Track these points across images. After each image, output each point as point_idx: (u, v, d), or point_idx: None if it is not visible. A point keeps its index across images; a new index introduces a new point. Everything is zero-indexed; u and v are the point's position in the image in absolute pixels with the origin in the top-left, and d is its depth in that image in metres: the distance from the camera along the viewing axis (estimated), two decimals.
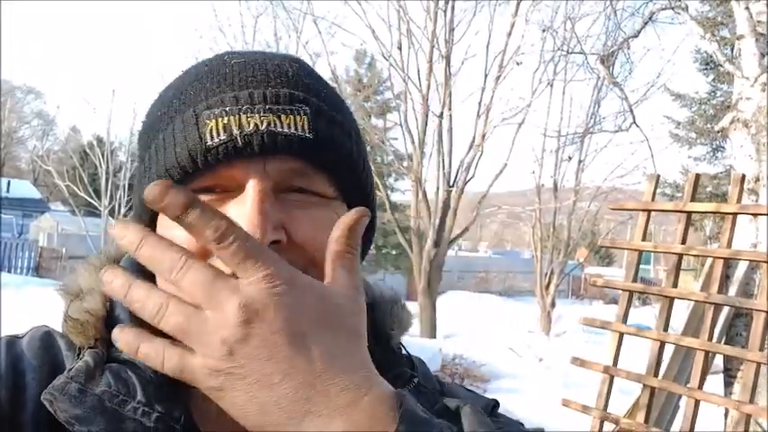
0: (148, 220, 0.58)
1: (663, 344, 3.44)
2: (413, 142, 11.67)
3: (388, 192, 15.48)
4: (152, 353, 0.46)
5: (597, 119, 13.55)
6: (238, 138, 0.53)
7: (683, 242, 3.46)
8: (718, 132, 4.60)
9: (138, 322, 0.57)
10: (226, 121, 0.53)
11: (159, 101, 0.60)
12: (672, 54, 23.26)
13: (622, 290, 3.68)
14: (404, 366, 0.67)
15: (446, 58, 11.04)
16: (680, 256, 3.50)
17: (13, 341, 0.60)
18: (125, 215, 14.66)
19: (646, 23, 6.61)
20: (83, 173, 14.61)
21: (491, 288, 23.88)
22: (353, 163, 0.59)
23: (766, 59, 4.20)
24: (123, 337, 0.47)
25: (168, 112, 0.57)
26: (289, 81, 0.57)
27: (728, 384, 3.97)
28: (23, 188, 31.03)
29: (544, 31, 11.28)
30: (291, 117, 0.54)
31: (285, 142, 0.54)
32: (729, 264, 3.59)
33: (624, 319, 3.60)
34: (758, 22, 4.23)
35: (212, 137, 0.53)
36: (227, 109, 0.54)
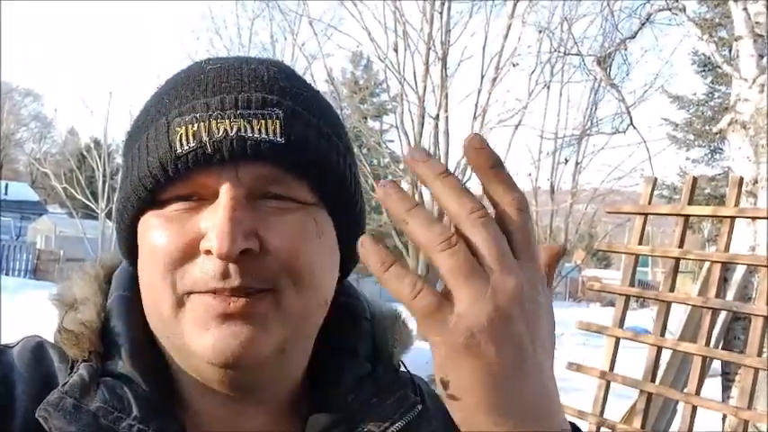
0: (129, 221, 0.57)
1: (660, 349, 3.39)
2: (409, 144, 11.64)
3: None
4: (407, 280, 0.41)
5: (594, 121, 13.53)
6: (207, 144, 0.52)
7: (681, 246, 3.42)
8: (716, 134, 4.57)
9: (138, 342, 0.57)
10: (195, 128, 0.53)
11: (141, 110, 0.60)
12: (669, 55, 23.28)
13: (619, 294, 3.64)
14: (407, 389, 0.64)
15: (442, 59, 11.02)
16: (677, 259, 3.46)
17: (3, 350, 0.59)
18: None
19: (643, 25, 6.58)
20: (80, 175, 14.64)
21: None
22: (333, 166, 0.57)
23: (764, 61, 4.16)
24: (375, 249, 0.42)
25: (146, 120, 0.57)
26: (264, 85, 0.56)
27: (726, 388, 3.93)
28: (21, 190, 31.05)
29: (541, 32, 11.26)
30: (263, 122, 0.53)
31: (256, 148, 0.52)
32: (727, 267, 3.55)
33: (621, 323, 3.56)
34: (756, 23, 4.20)
35: (182, 144, 0.52)
36: (198, 115, 0.53)
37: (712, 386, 3.94)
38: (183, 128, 0.53)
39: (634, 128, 7.33)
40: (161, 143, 0.54)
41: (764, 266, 3.07)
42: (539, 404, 0.42)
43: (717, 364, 3.98)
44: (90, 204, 14.71)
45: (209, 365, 0.54)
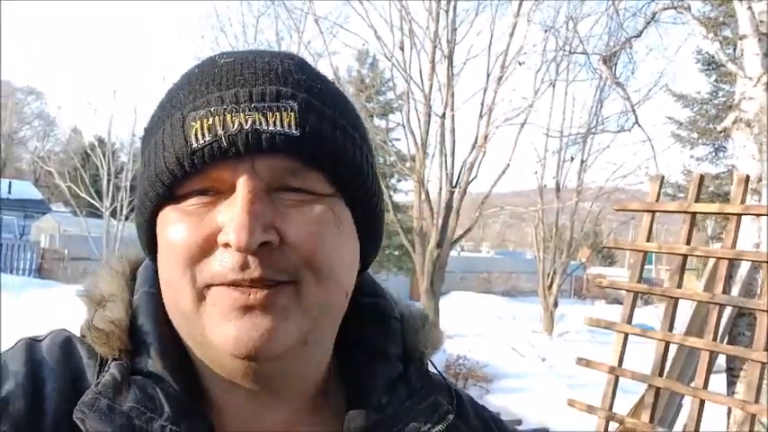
0: (148, 217, 0.58)
1: (668, 344, 3.45)
2: (415, 143, 11.67)
3: (391, 192, 15.50)
4: None
5: (600, 119, 13.55)
6: (223, 138, 0.52)
7: (688, 242, 3.47)
8: (721, 132, 4.61)
9: (165, 339, 0.58)
10: (210, 122, 0.53)
11: (157, 106, 0.60)
12: (674, 54, 23.20)
13: (627, 291, 3.69)
14: (440, 394, 0.64)
15: (448, 58, 11.05)
16: (684, 256, 3.51)
17: (32, 344, 0.59)
18: (127, 216, 14.71)
19: (648, 23, 6.61)
20: (84, 174, 14.66)
21: (494, 288, 23.86)
22: (349, 157, 0.57)
23: None
24: None
25: (161, 116, 0.57)
26: (278, 78, 0.56)
27: (731, 384, 3.98)
28: (25, 189, 30.99)
29: (546, 31, 11.29)
30: (278, 114, 0.53)
31: (271, 140, 0.52)
32: (733, 264, 3.60)
33: (629, 319, 3.61)
34: (760, 21, 4.24)
35: (197, 139, 0.53)
36: (212, 109, 0.53)
37: (717, 382, 3.99)
38: (198, 122, 0.53)
39: (639, 126, 7.36)
40: (176, 138, 0.54)
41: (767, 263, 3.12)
42: None
43: (721, 360, 4.04)
44: (94, 203, 14.73)
45: (232, 358, 0.54)
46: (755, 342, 3.13)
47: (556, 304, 14.45)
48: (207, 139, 0.53)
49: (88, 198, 14.78)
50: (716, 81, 18.23)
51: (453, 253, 14.19)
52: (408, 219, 13.76)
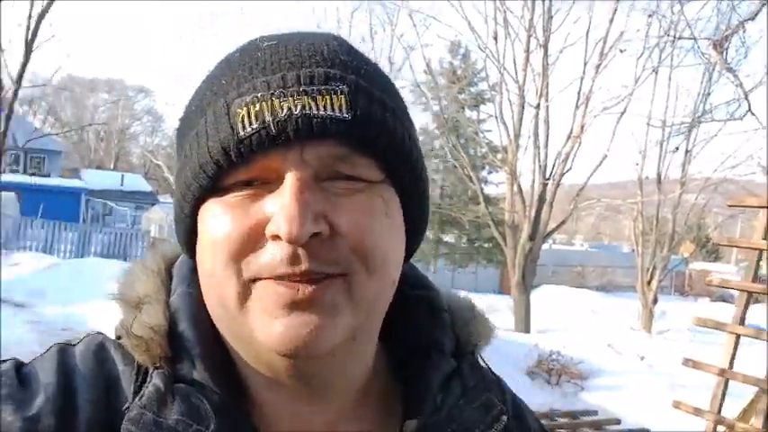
0: (190, 211, 0.55)
1: None
2: (508, 134, 11.50)
3: (482, 185, 15.31)
4: None
5: (707, 107, 12.79)
6: (271, 125, 0.49)
7: None
8: None
9: (206, 341, 0.55)
10: (257, 109, 0.50)
11: (194, 94, 0.57)
12: None
13: (740, 290, 3.51)
14: (492, 392, 0.62)
15: (544, 47, 10.79)
16: None
17: (65, 350, 0.57)
18: None
19: (763, 5, 6.19)
20: None
21: (588, 283, 23.12)
22: (399, 142, 0.54)
23: None
24: None
25: (201, 104, 0.54)
26: (324, 60, 0.53)
27: None
28: (136, 182, 32.91)
29: (650, 16, 10.77)
30: (327, 98, 0.50)
31: (322, 125, 0.50)
32: None
33: (741, 320, 3.43)
34: None
35: (244, 126, 0.50)
36: (259, 95, 0.50)
37: None
38: (245, 108, 0.50)
39: (752, 114, 6.91)
40: (221, 126, 0.51)
41: None
42: None
43: None
44: None
45: (277, 356, 0.52)
46: None
47: (655, 301, 13.84)
48: (255, 126, 0.50)
49: None
50: None
51: (545, 246, 13.89)
52: (499, 211, 13.59)
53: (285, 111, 0.50)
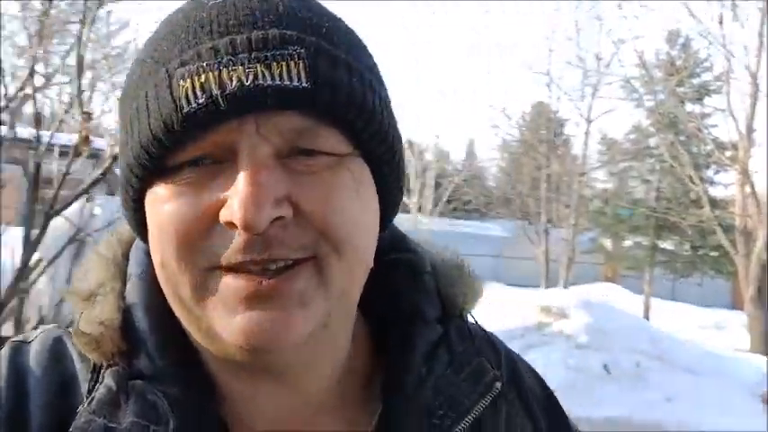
0: (135, 195, 0.51)
1: None
2: (738, 128, 10.25)
3: (707, 186, 13.93)
4: None
5: None
6: (219, 98, 0.44)
7: None
8: None
9: (164, 330, 0.51)
10: (203, 80, 0.44)
11: (135, 61, 0.51)
12: None
13: None
14: (484, 355, 0.58)
15: None
16: None
17: (19, 348, 0.54)
18: (430, 212, 15.80)
19: None
20: None
21: None
22: (368, 109, 0.48)
23: None
24: None
25: (142, 73, 0.49)
26: (279, 19, 0.47)
27: None
28: None
29: None
30: (284, 64, 0.45)
31: (279, 97, 0.44)
32: None
33: None
34: None
35: (189, 101, 0.44)
36: (204, 64, 0.45)
37: None
38: (189, 80, 0.45)
39: None
40: (163, 101, 0.46)
41: None
42: None
43: None
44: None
45: (242, 350, 0.47)
46: None
47: None
48: (201, 100, 0.44)
49: None
50: None
51: None
52: (728, 215, 12.20)
53: (235, 82, 0.44)
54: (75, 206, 3.79)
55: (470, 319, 0.61)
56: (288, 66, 0.45)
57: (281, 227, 0.45)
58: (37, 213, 3.49)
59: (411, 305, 0.57)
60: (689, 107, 15.68)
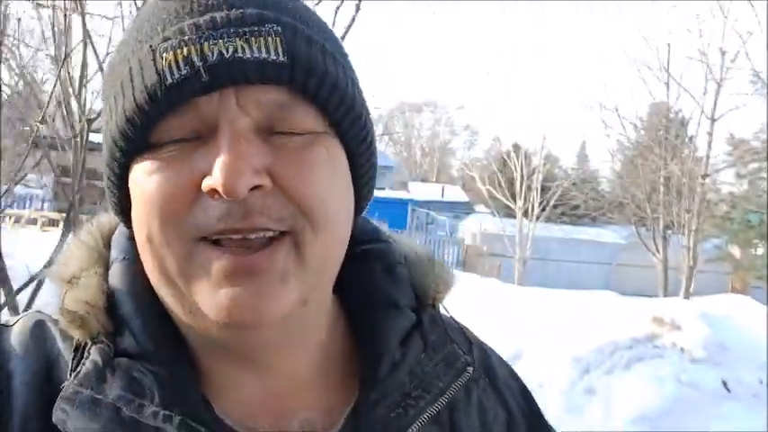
0: (119, 171, 0.52)
1: None
2: None
3: None
4: None
5: None
6: (202, 69, 0.46)
7: None
8: None
9: (148, 313, 0.52)
10: (185, 53, 0.46)
11: (119, 44, 0.54)
12: None
13: None
14: (455, 343, 0.59)
15: None
16: None
17: (0, 332, 0.55)
18: (537, 216, 15.38)
19: None
20: (501, 178, 15.96)
21: None
22: (342, 89, 0.51)
23: None
24: None
25: (125, 53, 0.51)
26: (256, 0, 0.49)
27: None
28: (455, 193, 35.52)
29: None
30: (262, 39, 0.47)
31: (257, 69, 0.46)
32: None
33: None
34: None
35: (172, 72, 0.46)
36: (186, 38, 0.47)
37: None
38: (172, 53, 0.46)
39: None
40: (148, 73, 0.47)
41: None
42: None
43: None
44: (509, 203, 15.87)
45: (224, 327, 0.48)
46: None
47: None
48: (183, 71, 0.46)
49: (503, 199, 15.98)
50: None
51: None
52: None
53: (216, 54, 0.46)
54: None
55: (443, 311, 0.63)
56: (266, 41, 0.47)
57: (261, 196, 0.47)
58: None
59: (385, 294, 0.59)
60: None
